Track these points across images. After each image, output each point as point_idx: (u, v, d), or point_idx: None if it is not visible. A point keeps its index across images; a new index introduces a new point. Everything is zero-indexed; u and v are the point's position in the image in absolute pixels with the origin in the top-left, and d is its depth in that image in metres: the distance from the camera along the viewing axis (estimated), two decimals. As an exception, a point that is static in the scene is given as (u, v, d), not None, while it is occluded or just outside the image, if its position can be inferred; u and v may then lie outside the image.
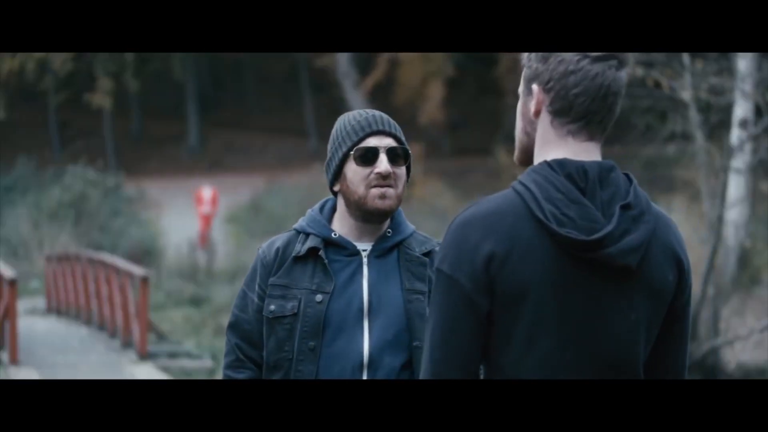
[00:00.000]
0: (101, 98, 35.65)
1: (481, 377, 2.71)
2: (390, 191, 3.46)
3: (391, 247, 3.50)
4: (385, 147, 3.47)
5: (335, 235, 3.49)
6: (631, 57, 2.72)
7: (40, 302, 21.26)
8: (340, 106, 28.93)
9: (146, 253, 25.17)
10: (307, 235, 3.51)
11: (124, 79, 36.36)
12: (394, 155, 3.48)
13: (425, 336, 2.68)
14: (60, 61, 35.09)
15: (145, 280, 16.14)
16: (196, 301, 21.52)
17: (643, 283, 2.65)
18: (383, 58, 31.84)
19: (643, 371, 2.71)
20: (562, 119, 2.68)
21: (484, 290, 2.60)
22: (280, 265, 3.49)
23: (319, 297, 3.43)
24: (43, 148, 37.20)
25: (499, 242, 2.59)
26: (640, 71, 15.49)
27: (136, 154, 38.73)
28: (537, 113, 2.71)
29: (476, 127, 36.42)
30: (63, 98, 37.50)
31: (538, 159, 2.70)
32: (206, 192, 27.41)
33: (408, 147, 3.54)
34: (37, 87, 37.05)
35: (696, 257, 15.91)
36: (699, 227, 16.14)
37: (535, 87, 2.70)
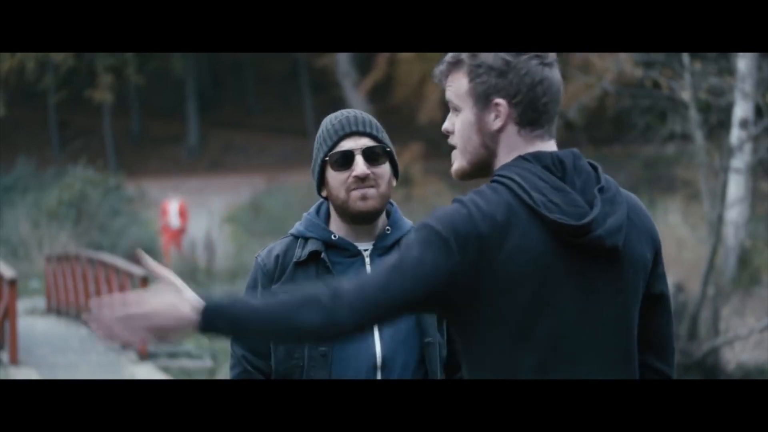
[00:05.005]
0: (102, 93, 35.60)
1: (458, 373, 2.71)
2: (371, 191, 3.37)
3: (392, 245, 3.43)
4: (360, 148, 3.38)
5: (335, 236, 3.42)
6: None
7: (40, 302, 21.23)
8: (340, 106, 28.78)
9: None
10: (306, 239, 3.43)
11: (126, 74, 36.31)
12: (371, 155, 3.39)
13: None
14: (61, 56, 35.05)
15: (145, 280, 16.15)
16: (195, 301, 21.46)
17: (628, 262, 2.70)
18: (383, 58, 31.81)
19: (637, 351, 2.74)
20: (532, 127, 2.73)
21: (470, 268, 2.61)
22: (282, 272, 3.41)
23: None
24: (43, 148, 37.17)
25: (496, 228, 2.62)
26: (640, 71, 15.50)
27: (136, 154, 38.70)
28: (504, 127, 2.73)
29: (476, 127, 36.36)
30: (63, 96, 37.45)
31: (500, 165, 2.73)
32: (173, 205, 25.60)
33: (388, 144, 3.44)
34: (37, 86, 37.01)
35: (696, 257, 15.91)
36: (699, 227, 16.13)
37: (501, 101, 2.72)
